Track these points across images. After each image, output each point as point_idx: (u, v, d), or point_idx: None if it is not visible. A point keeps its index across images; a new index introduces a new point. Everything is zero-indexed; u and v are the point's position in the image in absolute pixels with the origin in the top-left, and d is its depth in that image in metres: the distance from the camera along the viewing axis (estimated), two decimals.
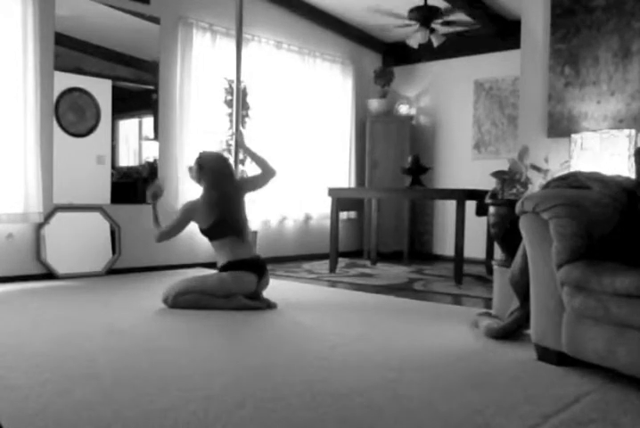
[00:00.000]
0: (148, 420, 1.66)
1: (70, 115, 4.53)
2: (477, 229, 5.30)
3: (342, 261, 5.82)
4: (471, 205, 4.82)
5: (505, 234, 3.14)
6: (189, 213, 3.54)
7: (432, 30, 5.44)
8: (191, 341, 2.62)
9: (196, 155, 3.62)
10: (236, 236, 3.47)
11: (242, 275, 3.38)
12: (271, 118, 5.71)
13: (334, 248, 5.12)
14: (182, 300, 3.31)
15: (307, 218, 6.17)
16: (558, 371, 2.20)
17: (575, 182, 2.44)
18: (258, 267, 3.45)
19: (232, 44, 4.74)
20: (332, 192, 5.19)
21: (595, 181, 2.40)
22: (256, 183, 3.73)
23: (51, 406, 1.76)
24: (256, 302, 3.38)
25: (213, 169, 3.53)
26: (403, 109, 6.66)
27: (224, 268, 3.43)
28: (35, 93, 4.20)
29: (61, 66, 4.45)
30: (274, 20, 5.83)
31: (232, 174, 3.64)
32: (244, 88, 5.21)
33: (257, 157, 3.71)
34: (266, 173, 3.69)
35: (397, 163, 6.30)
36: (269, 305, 3.41)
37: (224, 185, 3.53)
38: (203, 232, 3.53)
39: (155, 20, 4.93)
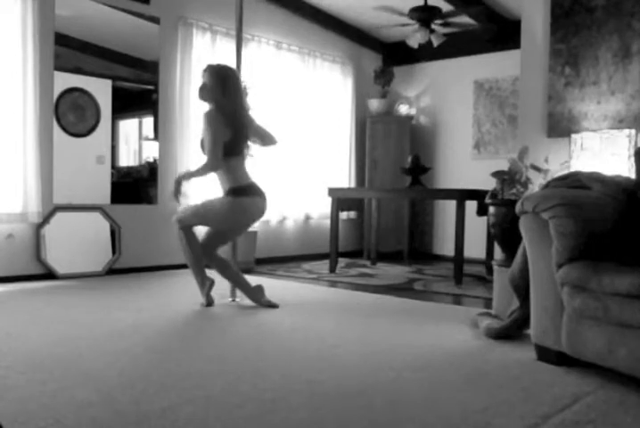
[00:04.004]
0: (148, 420, 1.66)
1: (70, 115, 4.53)
2: (477, 229, 5.30)
3: (342, 261, 5.81)
4: (471, 205, 4.82)
5: (505, 234, 3.14)
6: (216, 125, 3.28)
7: (432, 30, 5.43)
8: (190, 341, 2.62)
9: (204, 69, 3.44)
10: (242, 157, 3.42)
11: (250, 204, 3.35)
12: (271, 118, 5.70)
13: (334, 248, 5.12)
14: (180, 233, 3.40)
15: (307, 218, 6.17)
16: (558, 371, 2.20)
17: (575, 182, 2.44)
18: (261, 191, 3.43)
19: (232, 44, 4.74)
20: (332, 192, 5.19)
21: (595, 181, 2.40)
22: (258, 133, 3.55)
23: (51, 406, 1.76)
24: (245, 286, 3.43)
25: (227, 78, 3.38)
26: (403, 109, 6.66)
27: (235, 193, 3.34)
28: (35, 93, 4.20)
29: (61, 66, 4.45)
30: (274, 21, 5.83)
31: (242, 88, 3.51)
32: (244, 88, 5.20)
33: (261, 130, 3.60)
34: (270, 139, 3.61)
35: (397, 163, 6.30)
36: (270, 305, 3.41)
37: (238, 96, 3.40)
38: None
39: (155, 20, 4.93)
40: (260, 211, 3.44)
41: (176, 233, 3.43)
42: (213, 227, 3.47)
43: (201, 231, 3.55)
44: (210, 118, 3.31)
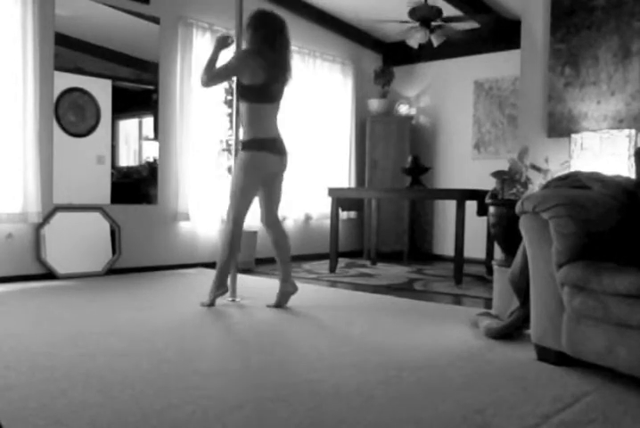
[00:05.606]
0: (148, 420, 1.66)
1: (70, 115, 4.53)
2: (477, 229, 5.30)
3: (342, 261, 5.81)
4: (471, 205, 4.82)
5: (505, 234, 3.14)
6: (245, 62, 3.22)
7: (432, 30, 5.43)
8: (190, 340, 2.62)
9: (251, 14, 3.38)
10: (274, 107, 3.37)
11: (262, 159, 3.26)
12: None
13: (334, 248, 5.12)
14: (226, 228, 3.36)
15: (307, 218, 6.17)
16: (558, 371, 2.20)
17: (575, 182, 2.44)
18: (281, 149, 3.36)
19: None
20: (332, 192, 5.19)
21: (595, 181, 2.40)
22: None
23: (51, 406, 1.76)
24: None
25: (263, 24, 3.29)
26: (403, 109, 6.66)
27: (249, 146, 3.29)
28: (35, 93, 4.20)
29: (61, 66, 4.45)
30: None
31: (287, 42, 3.36)
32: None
33: None
34: None
35: (397, 163, 6.30)
36: (274, 305, 3.42)
37: (279, 48, 3.29)
38: (244, 88, 3.29)
39: (155, 20, 4.93)
40: (273, 171, 3.34)
41: (224, 227, 3.37)
42: (232, 191, 3.34)
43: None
44: (244, 52, 3.26)
